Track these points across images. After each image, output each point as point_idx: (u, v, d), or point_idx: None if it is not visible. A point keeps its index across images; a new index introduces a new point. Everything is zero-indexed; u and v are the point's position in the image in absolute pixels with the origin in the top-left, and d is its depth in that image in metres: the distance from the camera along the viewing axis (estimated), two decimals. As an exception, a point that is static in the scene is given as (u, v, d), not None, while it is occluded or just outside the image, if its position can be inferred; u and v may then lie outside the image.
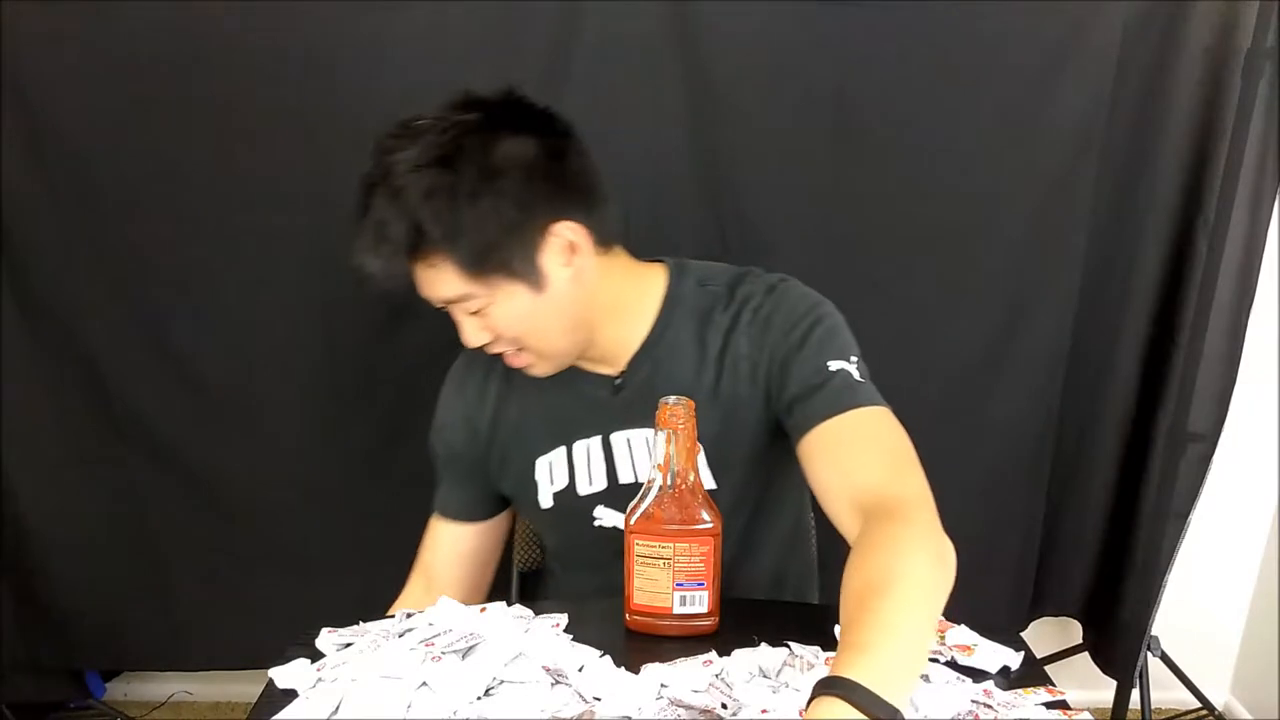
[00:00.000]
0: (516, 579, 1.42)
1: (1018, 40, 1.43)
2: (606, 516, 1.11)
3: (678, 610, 0.94)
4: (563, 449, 1.12)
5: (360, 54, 1.41)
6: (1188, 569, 1.76)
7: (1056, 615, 1.88)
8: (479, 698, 0.83)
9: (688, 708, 0.82)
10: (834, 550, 1.25)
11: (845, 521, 0.93)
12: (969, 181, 1.50)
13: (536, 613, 0.95)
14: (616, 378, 1.10)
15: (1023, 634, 0.99)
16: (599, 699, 0.83)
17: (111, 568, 1.72)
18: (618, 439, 1.10)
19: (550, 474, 1.13)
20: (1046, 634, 1.92)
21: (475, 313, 1.01)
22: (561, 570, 1.27)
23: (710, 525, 0.92)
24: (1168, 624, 1.77)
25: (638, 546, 0.93)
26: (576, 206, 1.02)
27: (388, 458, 1.63)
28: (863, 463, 0.96)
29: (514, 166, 0.97)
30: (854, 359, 1.03)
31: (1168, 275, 1.60)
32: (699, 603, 0.94)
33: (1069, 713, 0.85)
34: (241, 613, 1.74)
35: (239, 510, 1.68)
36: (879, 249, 1.54)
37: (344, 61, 1.41)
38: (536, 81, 1.43)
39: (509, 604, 0.97)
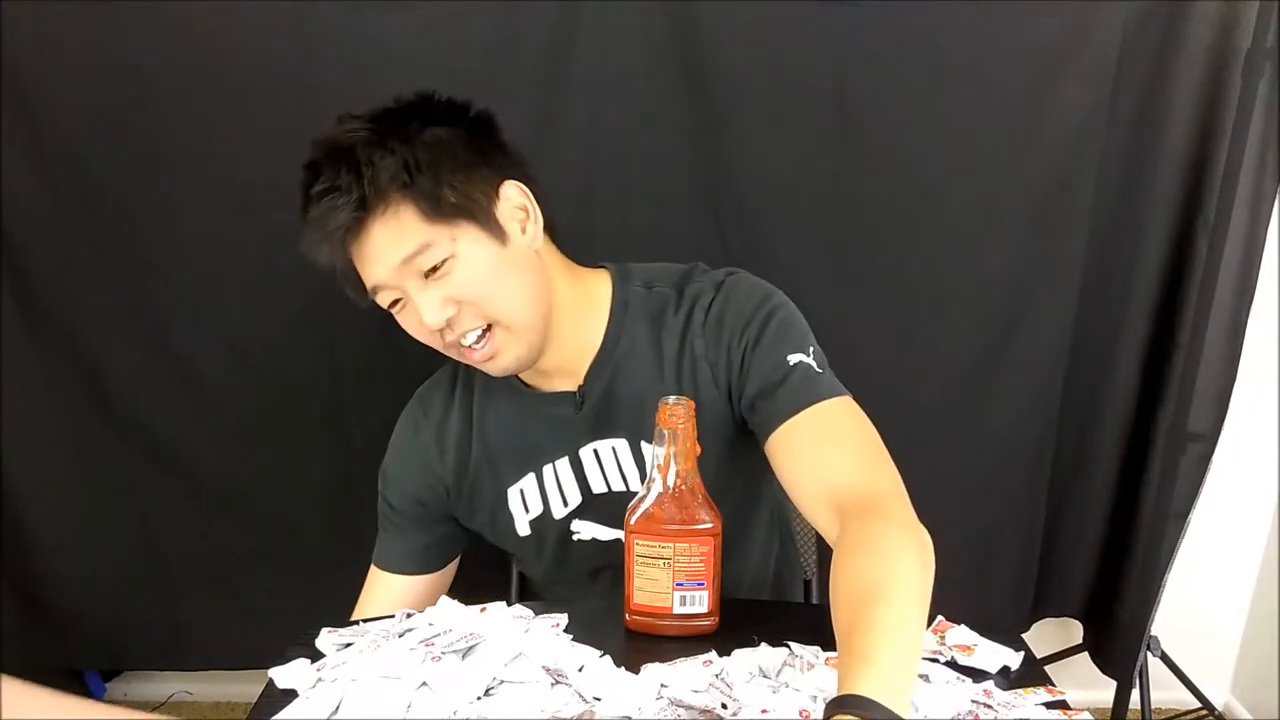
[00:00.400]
0: (516, 579, 1.42)
1: (1018, 40, 1.43)
2: (584, 529, 1.10)
3: (678, 610, 0.94)
4: (532, 476, 1.10)
5: (360, 54, 1.41)
6: (1188, 569, 1.76)
7: (1057, 615, 1.88)
8: (479, 698, 0.83)
9: (688, 708, 0.82)
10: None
11: (821, 520, 0.93)
12: (969, 182, 1.50)
13: (536, 612, 0.95)
14: (577, 392, 1.07)
15: (1024, 635, 0.98)
16: (599, 699, 0.83)
17: (111, 568, 1.72)
18: (586, 453, 1.08)
19: (524, 502, 1.11)
20: (1046, 634, 1.92)
21: (434, 274, 0.95)
22: (547, 596, 1.25)
23: (710, 525, 0.92)
24: (1168, 624, 1.77)
25: (638, 546, 0.93)
26: (519, 172, 1.01)
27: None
28: (832, 460, 0.95)
29: (456, 121, 0.98)
30: (811, 349, 1.01)
31: (1168, 275, 1.60)
32: (699, 603, 0.94)
33: (1069, 713, 0.85)
34: (241, 613, 1.74)
35: (239, 510, 1.68)
36: (879, 249, 1.54)
37: (344, 61, 1.41)
38: (536, 81, 1.44)
39: (509, 604, 0.96)
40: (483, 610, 0.94)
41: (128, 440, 1.63)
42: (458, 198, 0.95)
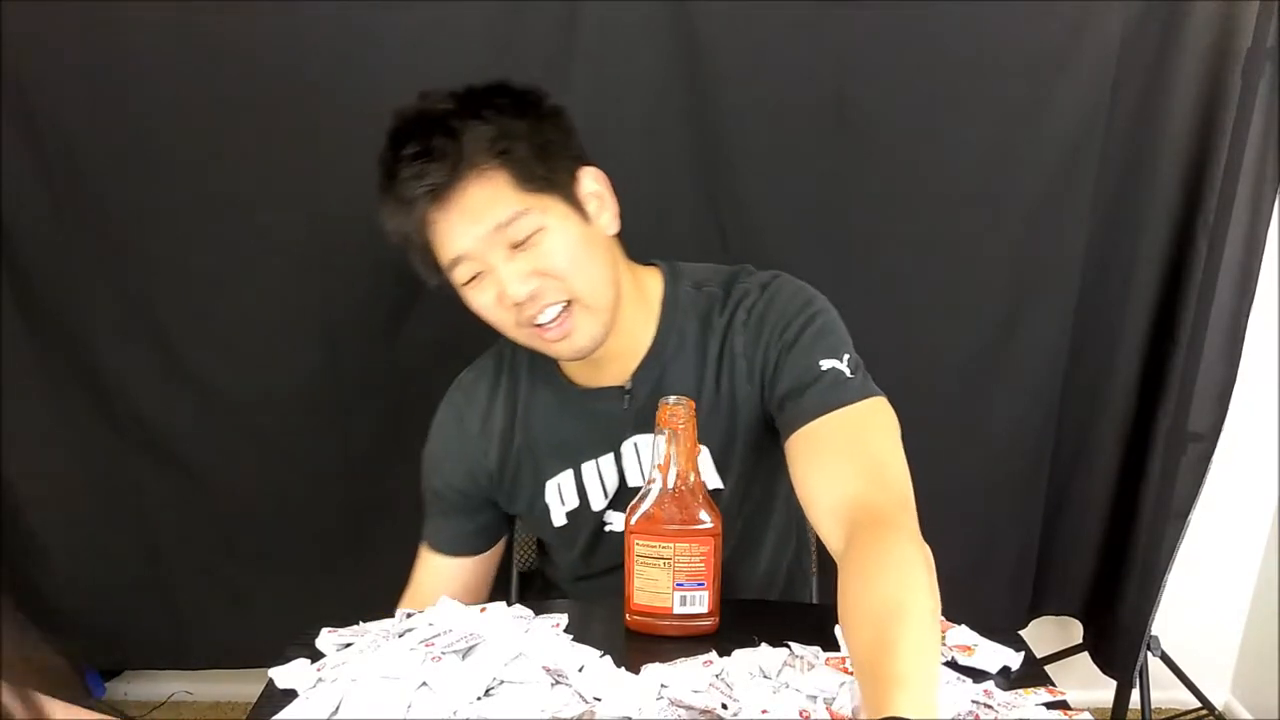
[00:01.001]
0: (516, 579, 1.42)
1: (1018, 40, 1.43)
2: (618, 520, 1.11)
3: (678, 610, 0.94)
4: (570, 472, 1.11)
5: (360, 54, 1.41)
6: (1188, 569, 1.75)
7: (1057, 615, 1.88)
8: (479, 698, 0.83)
9: (688, 708, 0.82)
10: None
11: (825, 527, 0.92)
12: (969, 182, 1.50)
13: (537, 613, 0.95)
14: (625, 387, 1.09)
15: (1023, 634, 0.99)
16: (599, 699, 0.83)
17: (111, 567, 1.72)
18: (627, 446, 1.10)
19: (560, 495, 1.13)
20: (1046, 634, 1.92)
21: (522, 245, 0.95)
22: (570, 586, 1.25)
23: (710, 525, 0.92)
24: (1168, 624, 1.77)
25: (638, 546, 0.93)
26: (589, 163, 1.03)
27: (388, 457, 1.63)
28: (845, 468, 0.95)
29: (536, 105, 1.00)
30: (846, 356, 1.02)
31: (1168, 275, 1.60)
32: (699, 603, 0.94)
33: (1069, 713, 0.85)
34: (241, 613, 1.74)
35: (239, 510, 1.68)
36: (879, 249, 1.54)
37: (344, 61, 1.41)
38: (537, 81, 1.44)
39: (509, 604, 0.97)
40: (483, 610, 0.94)
41: (128, 440, 1.63)
42: (547, 172, 0.96)
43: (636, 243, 1.52)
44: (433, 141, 0.93)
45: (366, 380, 1.60)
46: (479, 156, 0.93)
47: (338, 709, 0.82)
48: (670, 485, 0.91)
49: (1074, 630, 1.91)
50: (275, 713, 0.83)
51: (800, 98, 1.45)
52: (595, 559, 1.17)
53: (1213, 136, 1.50)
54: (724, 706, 0.82)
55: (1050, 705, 0.86)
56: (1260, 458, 1.83)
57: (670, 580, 0.93)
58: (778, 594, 1.23)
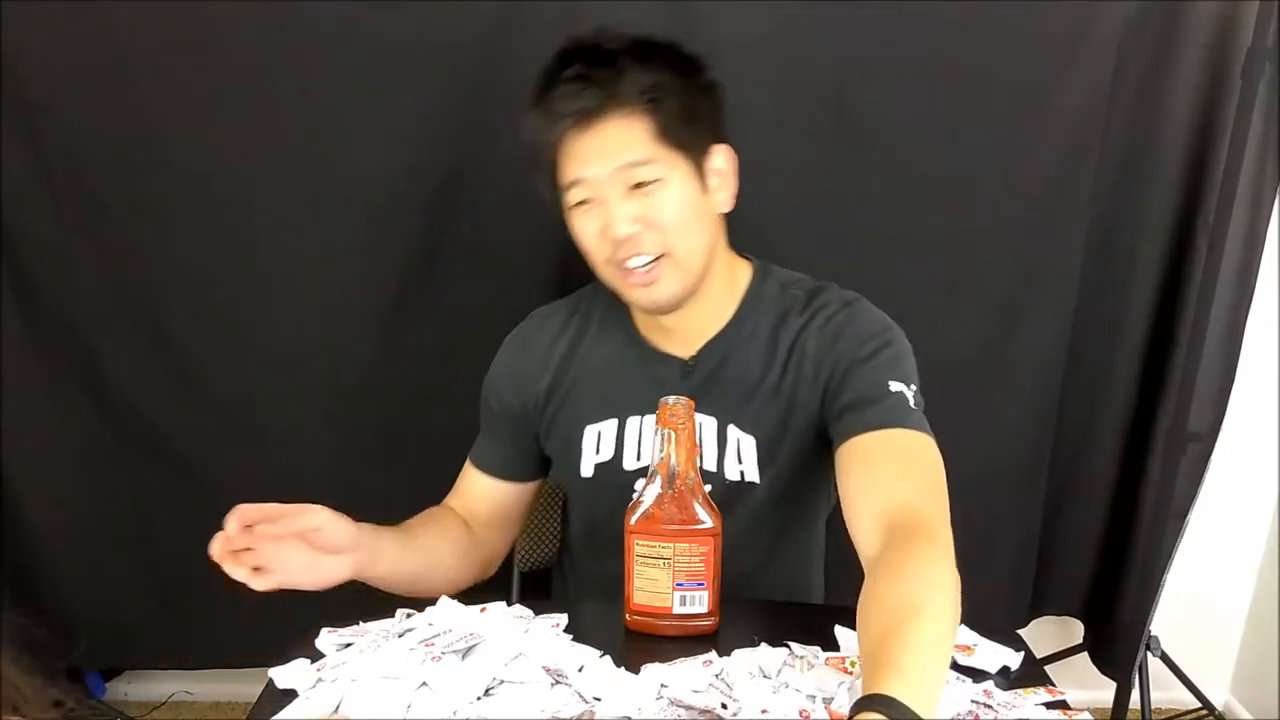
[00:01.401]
0: (517, 579, 1.43)
1: (1017, 40, 1.43)
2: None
3: (678, 610, 0.94)
4: (614, 421, 1.13)
5: (360, 53, 1.41)
6: (1187, 569, 1.76)
7: (1056, 614, 1.88)
8: (479, 698, 0.83)
9: (688, 708, 0.82)
10: (840, 558, 1.25)
11: (862, 532, 0.92)
12: (968, 181, 1.50)
13: (537, 612, 0.96)
14: (688, 361, 1.11)
15: (1023, 634, 0.99)
16: (599, 699, 0.83)
17: (111, 567, 1.71)
18: None
19: (597, 444, 1.14)
20: (1046, 634, 1.92)
21: (640, 189, 1.00)
22: (584, 555, 1.26)
23: (710, 525, 0.92)
24: (1167, 624, 1.77)
25: (638, 546, 0.93)
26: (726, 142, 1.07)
27: (388, 457, 1.63)
28: (896, 480, 0.96)
29: (697, 72, 1.05)
30: (914, 387, 1.05)
31: (1168, 275, 1.60)
32: (699, 603, 0.94)
33: (1069, 713, 0.85)
34: (241, 613, 1.73)
35: (239, 510, 1.67)
36: (878, 248, 1.54)
37: (344, 60, 1.41)
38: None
39: (509, 604, 0.97)
40: (483, 610, 0.94)
41: (128, 440, 1.63)
42: (686, 133, 1.01)
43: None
44: (594, 71, 0.98)
45: (367, 380, 1.60)
46: (631, 98, 0.98)
47: (338, 709, 0.82)
48: (670, 485, 0.91)
49: (1074, 630, 1.91)
50: (275, 713, 0.83)
51: (800, 97, 1.45)
52: (614, 523, 1.16)
53: (1212, 136, 1.50)
54: (724, 706, 0.82)
55: (1050, 705, 0.86)
56: (1260, 458, 1.83)
57: (670, 580, 0.93)
58: (797, 598, 1.23)
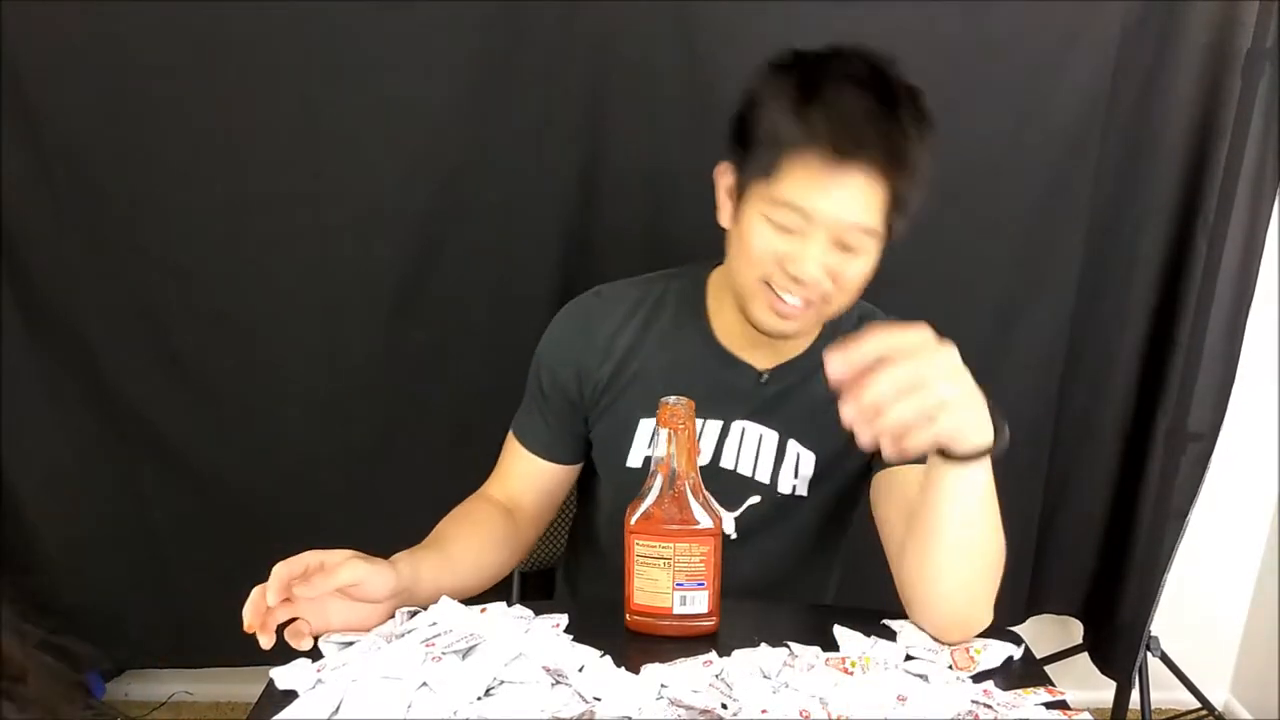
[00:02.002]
0: (517, 579, 1.42)
1: (1017, 40, 1.43)
2: None
3: (678, 610, 0.94)
4: None
5: (360, 53, 1.41)
6: (1187, 568, 1.76)
7: (1056, 614, 1.88)
8: (479, 698, 0.83)
9: (688, 708, 0.82)
10: (845, 560, 1.25)
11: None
12: (968, 181, 1.50)
13: (537, 613, 0.96)
14: (764, 374, 1.10)
15: (1023, 634, 0.99)
16: (599, 699, 0.83)
17: (112, 567, 1.72)
18: (736, 426, 1.11)
19: (652, 438, 1.11)
20: (1046, 634, 1.92)
21: (843, 247, 0.96)
22: (613, 547, 1.25)
23: (710, 525, 0.92)
24: (1167, 624, 1.77)
25: (638, 546, 0.93)
26: None
27: (389, 457, 1.63)
28: None
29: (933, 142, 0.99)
30: None
31: (1167, 275, 1.60)
32: (699, 603, 0.94)
33: (1069, 713, 0.85)
34: (242, 612, 1.74)
35: (239, 509, 1.68)
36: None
37: (344, 60, 1.41)
38: (537, 81, 1.44)
39: (509, 604, 0.97)
40: (483, 610, 0.94)
41: (128, 440, 1.63)
42: (899, 218, 0.98)
43: (637, 242, 1.53)
44: (879, 115, 0.92)
45: (367, 380, 1.60)
46: (889, 163, 0.93)
47: (338, 709, 0.82)
48: (670, 485, 0.91)
49: (1074, 630, 1.91)
50: (275, 713, 0.83)
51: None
52: None
53: (1212, 136, 1.50)
54: (724, 706, 0.82)
55: (1050, 705, 0.86)
56: (1260, 458, 1.83)
57: (670, 580, 0.93)
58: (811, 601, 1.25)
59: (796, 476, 1.11)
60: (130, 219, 1.50)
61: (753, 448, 1.10)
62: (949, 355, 0.82)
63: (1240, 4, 1.44)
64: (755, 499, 1.09)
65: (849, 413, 0.80)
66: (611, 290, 1.15)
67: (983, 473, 0.88)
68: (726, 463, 1.11)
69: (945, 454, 0.86)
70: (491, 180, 1.48)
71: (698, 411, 1.09)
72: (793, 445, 1.10)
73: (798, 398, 1.10)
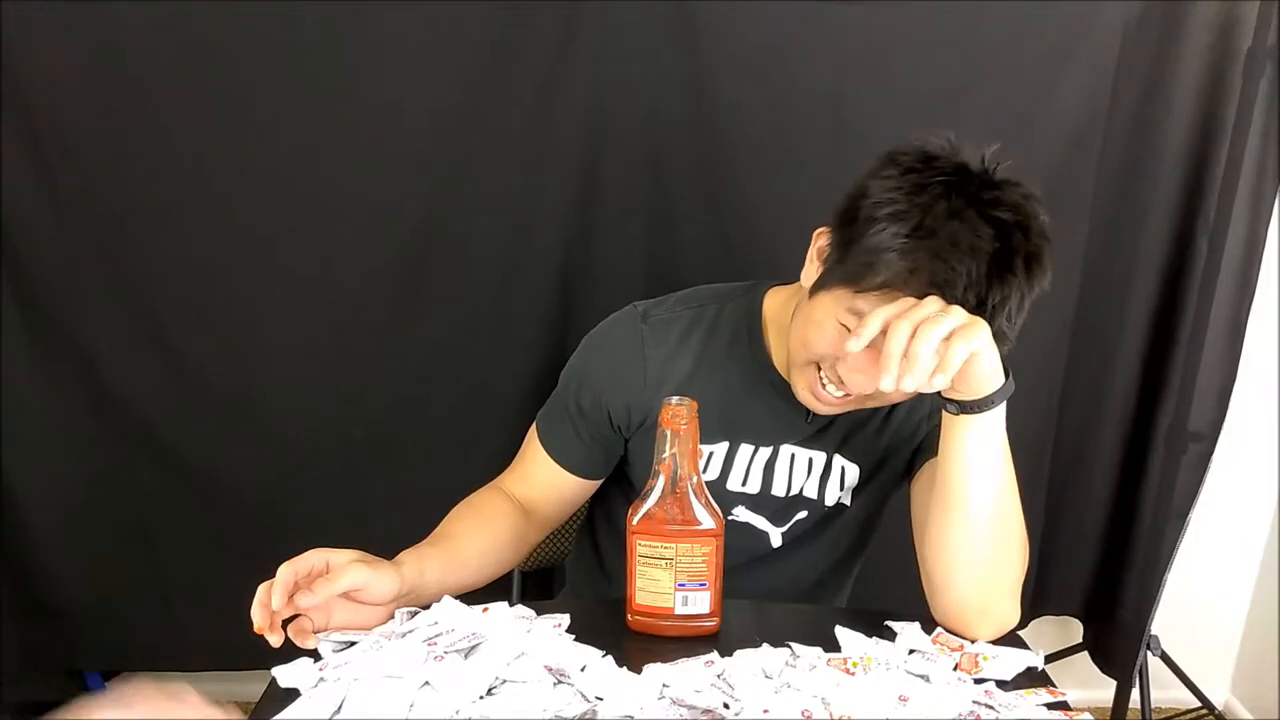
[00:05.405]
0: (518, 579, 1.43)
1: (1018, 40, 1.44)
2: (742, 514, 1.12)
3: (679, 611, 0.94)
4: (725, 444, 1.09)
5: (360, 53, 1.41)
6: (1188, 568, 1.76)
7: (1057, 614, 1.88)
8: (481, 697, 0.83)
9: (689, 708, 0.82)
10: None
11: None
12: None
13: (539, 612, 0.96)
14: (810, 415, 1.08)
15: (1023, 634, 0.99)
16: (601, 699, 0.83)
17: (112, 567, 1.71)
18: (787, 450, 1.10)
19: (705, 462, 1.10)
20: (1046, 634, 1.92)
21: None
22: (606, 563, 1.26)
23: (712, 526, 0.92)
24: (1168, 623, 1.77)
25: (640, 547, 0.93)
26: None
27: (389, 457, 1.63)
28: None
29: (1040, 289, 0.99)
30: None
31: (1168, 274, 1.60)
32: (701, 603, 0.94)
33: (1069, 713, 0.85)
34: (241, 613, 1.73)
35: (239, 509, 1.67)
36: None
37: (344, 60, 1.41)
38: (536, 82, 1.44)
39: (511, 604, 0.97)
40: (485, 610, 0.94)
41: (128, 440, 1.63)
42: None
43: (637, 243, 1.53)
44: (992, 288, 0.91)
45: (367, 380, 1.60)
46: (973, 310, 0.88)
47: (340, 708, 0.82)
48: (672, 486, 0.91)
49: (1074, 630, 1.91)
50: (277, 712, 0.83)
51: (800, 97, 1.45)
52: None
53: (1213, 136, 1.50)
54: (725, 706, 0.82)
55: (1050, 706, 0.86)
56: (1260, 457, 1.83)
57: (672, 580, 0.93)
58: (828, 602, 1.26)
59: (842, 489, 1.12)
60: (130, 219, 1.50)
61: (803, 469, 1.11)
62: (936, 300, 0.86)
63: (1241, 3, 1.44)
64: (803, 514, 1.12)
65: (888, 382, 0.83)
66: (659, 312, 1.11)
67: (998, 434, 0.91)
68: (779, 489, 1.11)
69: (962, 405, 0.89)
70: (491, 180, 1.48)
71: (751, 437, 1.10)
72: (838, 460, 1.11)
73: (845, 420, 1.09)
